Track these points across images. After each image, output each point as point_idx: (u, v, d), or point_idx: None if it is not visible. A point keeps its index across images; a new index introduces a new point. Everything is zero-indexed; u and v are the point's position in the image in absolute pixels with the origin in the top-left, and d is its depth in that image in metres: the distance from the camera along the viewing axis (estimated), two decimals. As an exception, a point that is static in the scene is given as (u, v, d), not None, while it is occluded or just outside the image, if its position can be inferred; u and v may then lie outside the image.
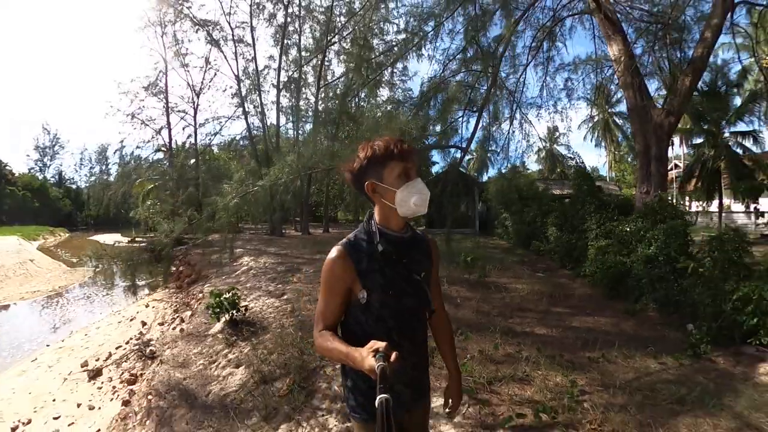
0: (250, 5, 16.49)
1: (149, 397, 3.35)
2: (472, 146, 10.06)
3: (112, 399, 4.41)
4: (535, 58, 8.52)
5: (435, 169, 17.68)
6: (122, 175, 24.01)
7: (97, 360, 5.86)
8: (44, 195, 47.61)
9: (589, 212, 6.35)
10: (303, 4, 16.20)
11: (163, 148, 23.05)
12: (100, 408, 4.26)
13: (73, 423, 4.10)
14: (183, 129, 21.71)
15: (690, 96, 7.26)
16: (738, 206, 21.07)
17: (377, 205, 1.24)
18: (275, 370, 2.92)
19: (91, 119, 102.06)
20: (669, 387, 2.89)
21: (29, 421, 4.25)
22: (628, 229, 5.41)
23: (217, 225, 6.09)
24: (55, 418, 4.23)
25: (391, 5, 12.98)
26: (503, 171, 11.53)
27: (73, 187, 58.10)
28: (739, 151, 19.92)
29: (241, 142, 21.58)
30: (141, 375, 4.56)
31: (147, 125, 20.83)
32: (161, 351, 4.78)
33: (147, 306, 9.15)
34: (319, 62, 16.74)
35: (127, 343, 6.37)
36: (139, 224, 34.07)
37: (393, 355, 0.90)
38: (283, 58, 17.26)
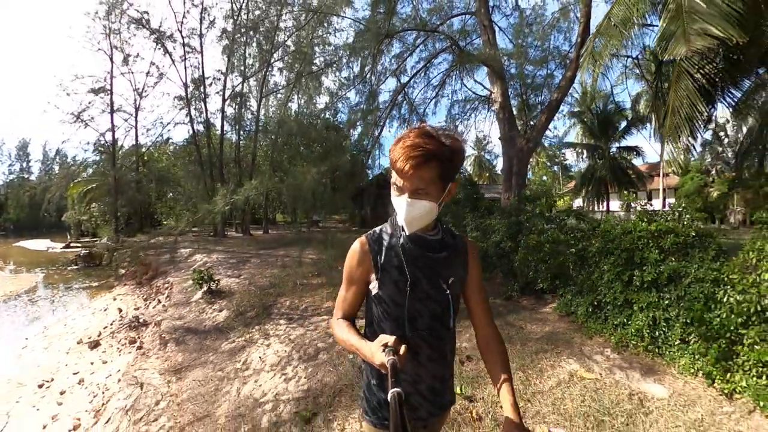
0: (200, 14, 17.75)
1: (163, 335, 5.10)
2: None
3: (120, 354, 5.80)
4: (439, 91, 11.03)
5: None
6: (62, 177, 23.39)
7: (89, 338, 7.20)
8: (-49, 197, 43.31)
9: (466, 212, 8.81)
10: (248, 21, 17.39)
11: (101, 149, 22.94)
12: (112, 361, 5.55)
13: (93, 372, 5.35)
14: (127, 131, 21.90)
15: (545, 129, 9.98)
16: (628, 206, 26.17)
17: None
18: (246, 308, 4.90)
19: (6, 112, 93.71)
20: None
21: (52, 380, 5.39)
22: (488, 224, 7.82)
23: (212, 222, 8.34)
24: (75, 374, 5.44)
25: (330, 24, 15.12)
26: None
27: (-13, 187, 53.13)
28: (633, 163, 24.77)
29: (177, 145, 22.38)
30: (139, 337, 6.16)
31: (88, 125, 20.73)
32: (152, 320, 6.42)
33: (114, 299, 10.31)
34: (263, 75, 18.25)
35: (111, 324, 7.61)
36: (70, 228, 32.63)
37: (402, 349, 0.92)
38: (229, 70, 18.44)
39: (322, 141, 18.14)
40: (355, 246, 1.20)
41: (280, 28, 17.11)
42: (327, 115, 19.08)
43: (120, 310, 8.68)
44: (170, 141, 23.52)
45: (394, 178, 1.10)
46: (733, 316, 3.31)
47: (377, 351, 0.93)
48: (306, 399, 2.93)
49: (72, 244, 27.83)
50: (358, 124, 9.36)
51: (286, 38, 17.64)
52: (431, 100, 10.74)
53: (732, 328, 3.29)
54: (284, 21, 17.19)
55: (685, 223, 3.96)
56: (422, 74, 10.46)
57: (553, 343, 3.96)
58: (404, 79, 10.85)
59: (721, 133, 23.56)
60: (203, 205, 9.08)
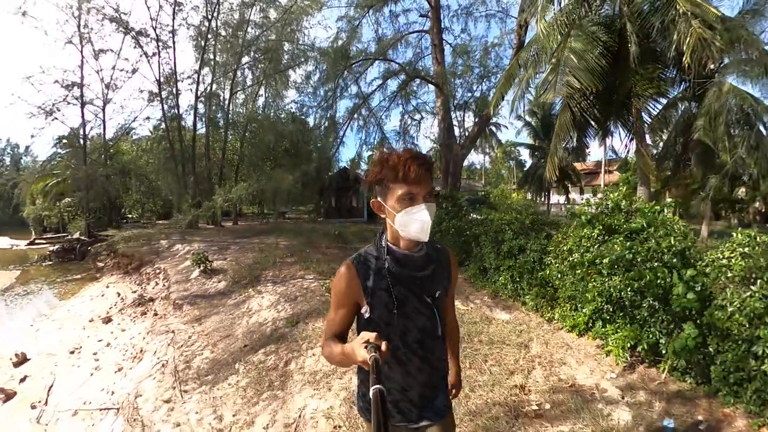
0: (173, 9, 18.33)
1: (176, 302, 6.77)
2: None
3: (135, 323, 7.15)
4: (392, 102, 12.99)
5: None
6: (32, 173, 23.23)
7: (99, 316, 8.42)
8: None
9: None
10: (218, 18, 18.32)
11: (65, 141, 23.06)
12: (130, 329, 6.79)
13: (116, 338, 6.51)
14: (97, 125, 22.08)
15: (476, 139, 12.10)
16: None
17: (387, 223, 1.23)
18: (240, 278, 6.65)
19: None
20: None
21: (80, 347, 6.23)
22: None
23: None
24: (99, 341, 6.36)
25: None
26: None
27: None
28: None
29: (142, 137, 23.35)
30: (149, 309, 7.68)
31: (57, 118, 20.54)
32: (157, 296, 7.99)
33: (107, 287, 11.49)
34: (233, 72, 19.26)
35: (114, 305, 8.71)
36: (30, 224, 31.94)
37: (383, 345, 0.95)
38: (201, 67, 19.18)
39: (289, 136, 19.56)
40: (342, 270, 1.23)
41: (250, 23, 18.20)
42: (293, 109, 20.49)
43: (119, 294, 9.98)
44: (132, 132, 23.95)
45: (398, 192, 1.13)
46: (552, 272, 5.44)
47: (359, 348, 0.97)
48: (292, 317, 4.82)
49: (37, 241, 27.54)
50: (321, 133, 11.22)
51: (256, 35, 18.66)
52: (386, 108, 12.76)
53: (554, 280, 5.41)
54: (255, 15, 18.37)
55: (524, 215, 6.17)
56: (381, 87, 12.45)
57: (448, 294, 6.01)
58: (364, 86, 12.79)
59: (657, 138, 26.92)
60: (206, 202, 10.75)
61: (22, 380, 5.56)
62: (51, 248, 22.04)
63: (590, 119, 7.93)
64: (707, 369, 3.21)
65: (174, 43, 19.01)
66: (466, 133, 12.85)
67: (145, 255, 13.62)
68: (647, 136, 8.87)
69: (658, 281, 3.46)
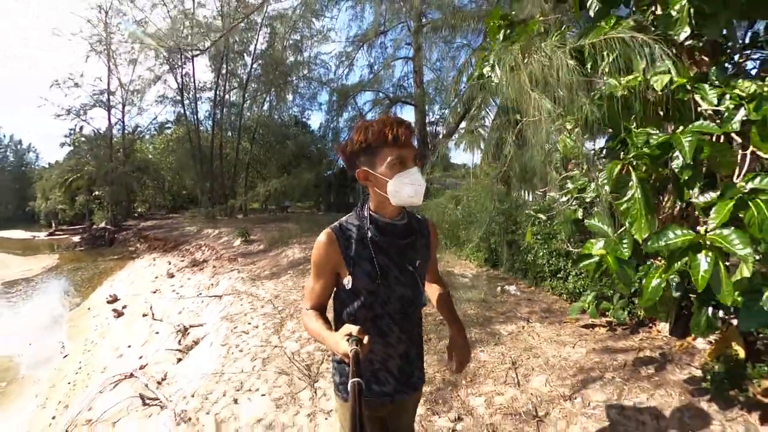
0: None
1: (230, 257, 9.93)
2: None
3: (194, 275, 10.15)
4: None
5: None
6: (59, 170, 25.82)
7: (161, 275, 10.93)
8: None
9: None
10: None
11: (83, 139, 25.51)
12: (194, 278, 9.80)
13: (185, 282, 9.26)
14: (120, 129, 25.07)
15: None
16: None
17: (371, 192, 1.24)
18: (274, 243, 9.83)
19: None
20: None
21: (159, 290, 8.65)
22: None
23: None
24: (172, 285, 8.85)
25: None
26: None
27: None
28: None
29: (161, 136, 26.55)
30: (205, 267, 10.73)
31: (85, 120, 23.64)
32: (209, 258, 11.06)
33: (154, 260, 13.41)
34: (245, 82, 22.17)
35: (169, 270, 11.31)
36: (48, 217, 33.92)
37: (365, 339, 0.98)
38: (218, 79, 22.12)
39: (294, 139, 22.68)
40: (322, 239, 1.24)
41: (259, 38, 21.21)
42: (295, 112, 23.74)
43: (169, 263, 12.83)
44: (141, 132, 26.92)
45: (388, 157, 1.13)
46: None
47: (341, 341, 0.99)
48: (315, 256, 7.98)
49: (56, 232, 29.72)
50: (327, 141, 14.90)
51: (264, 48, 21.62)
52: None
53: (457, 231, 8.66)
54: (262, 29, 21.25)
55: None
56: (372, 109, 15.98)
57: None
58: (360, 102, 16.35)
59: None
60: (251, 191, 14.20)
61: (124, 307, 7.82)
62: (75, 237, 24.50)
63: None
64: (521, 268, 6.36)
65: (192, 57, 21.88)
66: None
67: (177, 238, 16.24)
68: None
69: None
